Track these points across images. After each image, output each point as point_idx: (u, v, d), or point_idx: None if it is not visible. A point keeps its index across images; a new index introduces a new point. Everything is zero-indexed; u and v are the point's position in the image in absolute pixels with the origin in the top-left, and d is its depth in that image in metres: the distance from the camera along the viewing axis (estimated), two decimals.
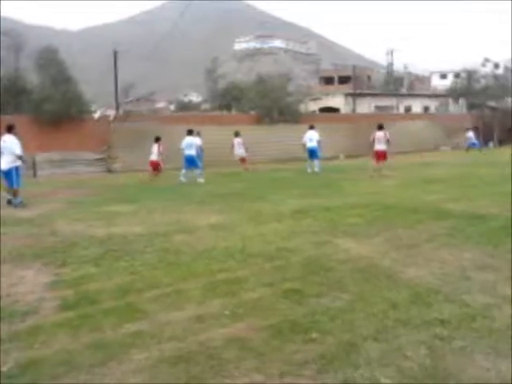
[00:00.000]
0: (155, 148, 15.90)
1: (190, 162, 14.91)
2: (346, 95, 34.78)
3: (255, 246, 5.93)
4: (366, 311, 3.75)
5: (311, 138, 16.63)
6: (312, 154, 16.55)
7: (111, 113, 26.84)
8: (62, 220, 8.17)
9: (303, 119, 25.07)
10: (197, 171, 14.75)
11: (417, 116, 32.12)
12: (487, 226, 6.74)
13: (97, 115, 22.93)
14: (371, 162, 15.14)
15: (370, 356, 3.03)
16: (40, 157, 19.68)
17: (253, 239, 6.30)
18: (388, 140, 14.59)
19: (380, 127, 14.72)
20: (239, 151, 18.34)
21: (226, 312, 3.81)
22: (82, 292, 4.37)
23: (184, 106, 60.07)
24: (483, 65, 35.62)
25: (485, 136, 33.50)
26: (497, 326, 3.42)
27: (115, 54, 26.64)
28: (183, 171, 15.01)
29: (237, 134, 18.41)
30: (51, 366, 3.04)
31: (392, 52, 53.97)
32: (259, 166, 20.57)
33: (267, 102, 24.42)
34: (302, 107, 27.82)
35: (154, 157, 15.96)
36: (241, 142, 18.34)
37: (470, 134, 27.79)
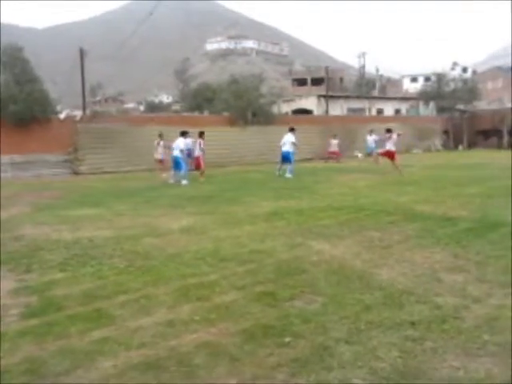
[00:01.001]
0: (197, 144, 15.54)
1: (175, 164, 14.84)
2: (319, 97, 35.10)
3: (228, 249, 5.93)
4: (339, 314, 3.79)
5: (285, 141, 16.20)
6: (283, 158, 16.05)
7: (78, 113, 26.34)
8: (27, 224, 7.96)
9: (276, 121, 25.19)
10: (180, 173, 14.60)
11: (389, 118, 32.71)
12: (456, 227, 6.92)
13: (62, 116, 22.41)
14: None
15: (343, 358, 3.07)
16: (2, 159, 19.13)
17: (225, 242, 6.29)
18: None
19: (388, 130, 16.39)
20: (158, 153, 17.87)
21: (197, 317, 3.79)
22: (48, 298, 4.27)
23: (154, 107, 59.62)
24: (452, 68, 36.68)
25: (455, 139, 34.47)
26: (466, 327, 3.52)
27: (82, 52, 26.16)
28: (172, 173, 14.88)
29: (160, 136, 17.80)
30: (15, 375, 2.96)
31: (364, 54, 54.92)
32: (233, 168, 20.57)
33: (241, 103, 24.41)
34: (275, 109, 27.94)
35: (197, 153, 15.52)
36: (162, 144, 17.72)
37: (372, 138, 23.87)
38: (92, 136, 20.47)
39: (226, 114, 25.61)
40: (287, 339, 3.36)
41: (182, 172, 14.58)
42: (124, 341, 3.40)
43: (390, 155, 15.67)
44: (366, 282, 4.55)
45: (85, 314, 3.88)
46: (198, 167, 15.65)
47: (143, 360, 3.12)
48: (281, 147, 16.20)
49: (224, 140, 23.26)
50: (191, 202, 10.15)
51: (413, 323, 3.59)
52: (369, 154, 22.03)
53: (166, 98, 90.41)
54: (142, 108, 75.04)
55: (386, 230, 6.82)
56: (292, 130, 16.50)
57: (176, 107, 48.97)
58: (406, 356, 3.09)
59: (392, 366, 2.97)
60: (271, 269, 5.03)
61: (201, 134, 15.47)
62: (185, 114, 32.79)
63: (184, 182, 14.24)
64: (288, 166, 15.74)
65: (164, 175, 16.27)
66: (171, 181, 14.78)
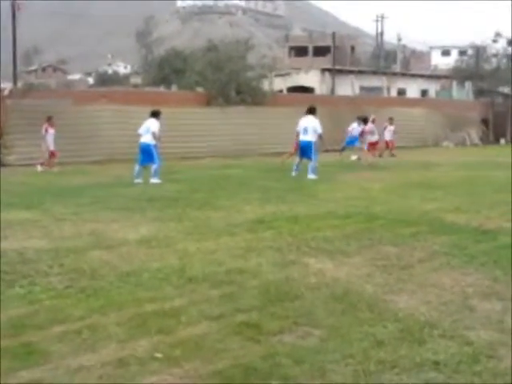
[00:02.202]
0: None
1: (144, 154, 14.18)
2: (323, 71, 35.32)
3: (199, 267, 5.94)
4: (342, 351, 3.83)
5: (306, 127, 14.74)
6: (305, 150, 14.74)
7: (7, 86, 26.11)
8: None
9: (267, 100, 25.25)
10: (153, 167, 14.15)
11: (413, 102, 33.03)
12: (495, 243, 7.03)
13: None
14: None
15: None
16: None
17: (196, 258, 6.31)
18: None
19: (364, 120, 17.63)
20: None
21: (158, 354, 3.80)
22: None
23: (107, 80, 59.40)
24: (494, 41, 37.06)
25: (496, 130, 34.89)
26: (503, 368, 3.59)
27: (14, 7, 25.99)
28: (136, 168, 14.28)
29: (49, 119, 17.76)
30: None
31: (382, 18, 55.29)
32: (208, 160, 20.59)
33: (221, 77, 24.43)
34: (266, 85, 28.05)
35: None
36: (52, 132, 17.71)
37: (354, 126, 20.80)
38: (24, 116, 20.31)
39: (200, 89, 25.60)
40: None
41: (155, 166, 14.00)
42: None
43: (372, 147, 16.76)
44: (378, 312, 4.60)
45: (11, 349, 3.86)
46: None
47: None
48: (298, 135, 15.00)
49: (197, 124, 23.25)
50: (152, 205, 10.15)
51: (437, 363, 3.64)
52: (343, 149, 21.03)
53: (122, 68, 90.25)
54: (90, 80, 74.85)
55: (406, 246, 6.91)
56: (313, 111, 15.19)
57: (136, 80, 48.79)
58: None
59: None
60: (255, 293, 5.06)
61: (154, 114, 14.68)
62: (147, 88, 32.73)
63: (155, 179, 13.94)
64: (310, 163, 14.56)
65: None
66: (138, 180, 14.18)
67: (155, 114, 14.64)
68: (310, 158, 14.73)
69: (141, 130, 14.48)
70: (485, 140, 34.31)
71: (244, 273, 5.71)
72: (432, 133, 30.64)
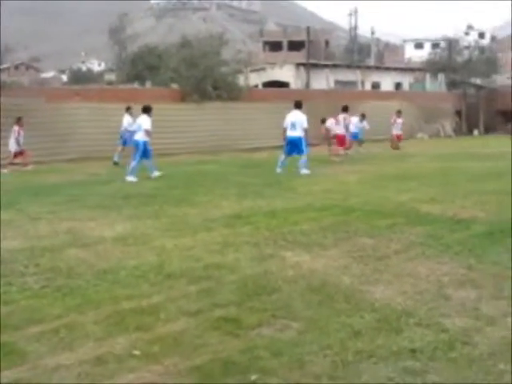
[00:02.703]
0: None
1: (139, 150, 14.01)
2: (298, 66, 35.36)
3: (176, 263, 5.94)
4: (319, 342, 3.86)
5: (294, 122, 14.55)
6: (294, 146, 14.58)
7: None
8: None
9: (243, 96, 25.21)
10: (148, 163, 14.14)
11: (387, 95, 33.26)
12: (469, 232, 7.15)
13: None
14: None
15: None
16: None
17: (173, 255, 6.30)
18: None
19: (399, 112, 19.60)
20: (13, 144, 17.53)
21: (136, 351, 3.79)
22: None
23: (81, 77, 58.80)
24: (466, 33, 37.60)
25: (469, 121, 35.32)
26: (478, 354, 3.65)
27: None
28: (133, 163, 14.00)
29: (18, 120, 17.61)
30: None
31: (356, 12, 55.62)
32: (183, 157, 20.51)
33: (195, 73, 24.31)
34: (242, 80, 27.99)
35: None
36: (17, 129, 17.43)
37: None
38: None
39: (175, 86, 25.47)
40: (254, 377, 3.40)
41: (135, 163, 13.81)
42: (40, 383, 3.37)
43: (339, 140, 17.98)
44: (355, 303, 4.64)
45: None
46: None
47: None
48: (285, 130, 14.79)
49: (172, 120, 23.07)
50: (128, 203, 10.09)
51: (413, 351, 3.69)
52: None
53: (96, 66, 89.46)
54: (64, 78, 73.97)
55: (382, 237, 6.97)
56: (299, 105, 15.00)
57: (110, 77, 48.41)
58: None
59: None
60: (233, 288, 5.07)
61: (145, 110, 14.49)
62: (121, 86, 32.46)
63: (131, 178, 13.64)
64: (302, 158, 14.52)
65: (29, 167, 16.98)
66: (132, 179, 13.87)
67: (147, 110, 14.45)
68: (300, 153, 14.58)
69: (134, 127, 14.65)
70: (458, 131, 34.70)
71: (222, 268, 5.72)
72: (406, 125, 30.87)
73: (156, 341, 3.94)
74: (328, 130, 19.43)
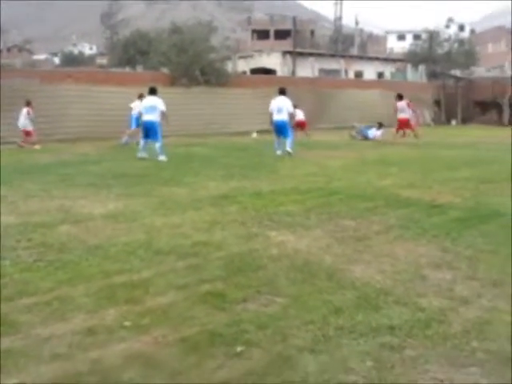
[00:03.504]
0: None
1: (150, 131, 13.84)
2: (284, 54, 35.21)
3: (165, 240, 5.93)
4: (302, 318, 3.88)
5: (280, 107, 14.97)
6: (281, 129, 15.00)
7: None
8: None
9: (231, 81, 25.09)
10: (157, 144, 13.96)
11: (369, 83, 33.28)
12: (446, 216, 7.20)
13: None
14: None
15: (307, 370, 3.16)
16: None
17: (162, 232, 6.29)
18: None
19: (400, 97, 19.96)
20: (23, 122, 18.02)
21: (126, 323, 3.79)
22: None
23: (72, 60, 58.07)
24: (447, 26, 37.63)
25: (447, 111, 35.52)
26: (452, 332, 3.69)
27: None
28: (142, 143, 14.05)
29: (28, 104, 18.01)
30: None
31: (341, 3, 55.35)
32: (172, 139, 20.37)
33: (185, 58, 24.14)
34: (230, 66, 27.85)
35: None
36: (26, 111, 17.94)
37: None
38: None
39: (165, 70, 25.27)
40: (239, 348, 3.41)
41: (159, 143, 13.77)
42: (32, 353, 3.36)
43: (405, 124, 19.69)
44: (337, 281, 4.67)
45: None
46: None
47: (58, 375, 3.10)
48: (272, 115, 15.13)
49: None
50: (119, 182, 10.04)
51: (391, 328, 3.72)
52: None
53: (88, 49, 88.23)
54: (56, 61, 72.95)
55: (363, 219, 7.01)
56: (284, 91, 15.56)
57: (101, 61, 47.87)
58: (381, 367, 3.21)
59: (365, 379, 3.08)
60: (220, 264, 5.08)
61: (153, 91, 14.36)
62: (113, 69, 32.11)
63: (162, 157, 13.58)
64: (288, 140, 14.87)
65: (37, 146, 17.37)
66: (143, 154, 13.92)
67: (155, 91, 14.30)
68: (286, 136, 14.97)
69: (142, 109, 14.20)
70: (437, 121, 34.85)
71: (209, 245, 5.72)
72: (387, 113, 30.94)
73: (145, 313, 3.94)
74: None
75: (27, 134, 18.10)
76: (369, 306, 4.13)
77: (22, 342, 3.53)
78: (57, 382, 3.05)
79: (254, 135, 21.72)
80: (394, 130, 19.92)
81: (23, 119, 17.94)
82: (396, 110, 20.24)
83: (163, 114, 13.95)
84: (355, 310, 4.03)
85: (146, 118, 13.94)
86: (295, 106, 19.93)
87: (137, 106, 17.17)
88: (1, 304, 4.11)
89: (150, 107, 13.96)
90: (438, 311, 4.05)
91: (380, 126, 22.22)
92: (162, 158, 13.62)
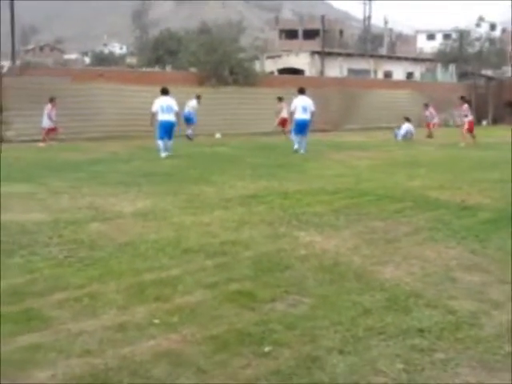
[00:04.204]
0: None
1: (169, 131, 14.15)
2: (313, 54, 35.11)
3: (194, 238, 5.95)
4: (331, 318, 3.86)
5: (305, 106, 15.26)
6: (305, 128, 15.32)
7: (5, 64, 25.76)
8: None
9: (259, 81, 25.09)
10: (169, 142, 14.23)
11: (399, 84, 32.95)
12: (476, 218, 7.10)
13: None
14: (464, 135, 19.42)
15: (336, 371, 3.14)
16: None
17: (191, 230, 6.32)
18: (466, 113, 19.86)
19: (463, 98, 20.50)
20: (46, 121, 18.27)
21: (156, 320, 3.82)
22: None
23: (103, 59, 58.79)
24: (477, 25, 36.97)
25: (478, 111, 34.91)
26: (484, 336, 3.64)
27: None
28: (160, 143, 14.18)
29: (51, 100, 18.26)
30: None
31: (370, 2, 54.87)
32: (200, 139, 20.50)
33: (214, 58, 24.23)
34: (258, 66, 27.87)
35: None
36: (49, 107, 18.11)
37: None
38: (23, 93, 20.05)
39: (193, 70, 25.40)
40: (267, 348, 3.41)
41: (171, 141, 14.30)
42: (63, 348, 3.41)
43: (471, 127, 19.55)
44: (366, 282, 4.64)
45: (11, 316, 3.85)
46: None
47: (88, 370, 3.13)
48: (293, 114, 15.46)
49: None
50: (148, 180, 10.12)
51: (421, 331, 3.68)
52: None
53: (118, 49, 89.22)
54: (87, 60, 73.96)
55: (392, 220, 6.95)
56: (303, 91, 15.79)
57: (131, 60, 48.39)
58: (411, 369, 3.18)
59: (395, 381, 3.05)
60: (248, 264, 5.08)
61: (165, 92, 14.74)
62: (143, 69, 32.41)
63: (164, 154, 13.98)
64: (304, 139, 15.38)
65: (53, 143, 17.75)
66: (162, 154, 14.15)
67: (167, 92, 14.63)
68: (305, 135, 15.39)
69: (159, 109, 14.18)
70: None
71: (237, 244, 5.73)
72: (416, 113, 30.63)
73: (174, 311, 3.97)
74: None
75: (50, 131, 18.41)
76: (398, 307, 4.10)
77: (53, 336, 3.57)
78: (87, 376, 3.09)
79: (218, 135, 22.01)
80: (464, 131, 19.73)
81: (45, 117, 18.28)
82: (461, 114, 20.68)
83: (177, 114, 14.43)
84: (384, 312, 4.00)
85: (165, 117, 14.12)
86: (280, 100, 20.81)
87: (193, 105, 20.29)
88: (33, 299, 4.18)
89: (167, 107, 14.18)
90: (468, 314, 3.99)
91: (407, 120, 22.12)
92: (164, 154, 13.97)
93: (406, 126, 21.84)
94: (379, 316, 3.92)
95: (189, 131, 20.29)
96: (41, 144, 17.74)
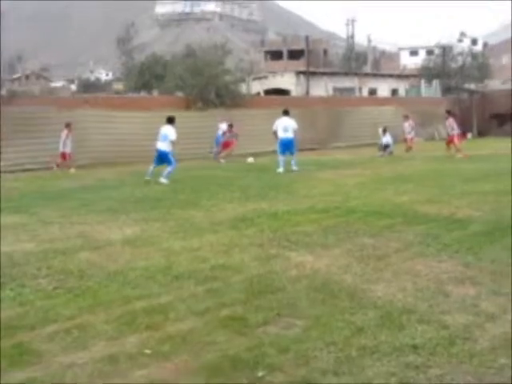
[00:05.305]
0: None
1: (162, 159, 14.29)
2: (298, 74, 35.38)
3: (184, 264, 5.93)
4: (324, 339, 3.84)
5: (286, 126, 16.21)
6: (288, 146, 16.13)
7: None
8: None
9: (246, 103, 25.21)
10: (168, 168, 14.24)
11: (384, 100, 33.23)
12: (466, 231, 7.12)
13: None
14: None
15: None
16: None
17: (181, 256, 6.28)
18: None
19: (449, 112, 21.84)
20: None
21: (147, 350, 3.77)
22: None
23: (89, 86, 58.94)
24: (460, 40, 37.62)
25: (463, 125, 35.22)
26: (479, 349, 3.63)
27: None
28: (151, 167, 14.29)
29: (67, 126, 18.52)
30: None
31: (353, 22, 55.68)
32: (188, 163, 20.49)
33: (200, 81, 24.33)
34: (244, 88, 28.01)
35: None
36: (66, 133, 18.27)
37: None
38: (10, 123, 19.99)
39: (180, 94, 25.49)
40: (261, 373, 3.38)
41: (170, 168, 14.11)
42: (54, 381, 3.37)
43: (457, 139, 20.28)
44: (358, 301, 4.62)
45: (3, 351, 3.81)
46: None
47: None
48: (276, 133, 16.35)
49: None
50: (136, 206, 10.08)
51: (415, 347, 3.67)
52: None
53: (104, 75, 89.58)
54: (73, 87, 74.12)
55: (382, 237, 6.95)
56: (287, 113, 16.77)
57: (118, 86, 48.55)
58: None
59: None
60: (239, 288, 5.05)
61: (170, 121, 14.75)
62: (129, 94, 32.52)
63: (164, 180, 13.83)
64: (293, 158, 16.08)
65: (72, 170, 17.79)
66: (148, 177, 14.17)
67: (171, 121, 14.66)
68: (292, 153, 16.20)
69: (158, 136, 14.43)
70: None
71: (228, 268, 5.70)
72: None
73: (166, 339, 3.93)
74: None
75: (63, 156, 18.43)
76: (391, 325, 4.09)
77: (44, 370, 3.54)
78: None
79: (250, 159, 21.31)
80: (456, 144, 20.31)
81: (61, 142, 18.32)
82: (448, 127, 21.35)
83: (172, 143, 14.37)
84: (378, 330, 3.98)
85: (159, 146, 14.36)
86: (223, 122, 21.81)
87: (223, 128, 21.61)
88: (24, 333, 4.13)
89: (163, 135, 14.36)
90: (462, 328, 3.99)
91: (384, 131, 22.34)
92: (164, 180, 13.82)
93: (387, 137, 22.05)
94: (372, 334, 3.90)
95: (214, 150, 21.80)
96: (72, 170, 17.96)
